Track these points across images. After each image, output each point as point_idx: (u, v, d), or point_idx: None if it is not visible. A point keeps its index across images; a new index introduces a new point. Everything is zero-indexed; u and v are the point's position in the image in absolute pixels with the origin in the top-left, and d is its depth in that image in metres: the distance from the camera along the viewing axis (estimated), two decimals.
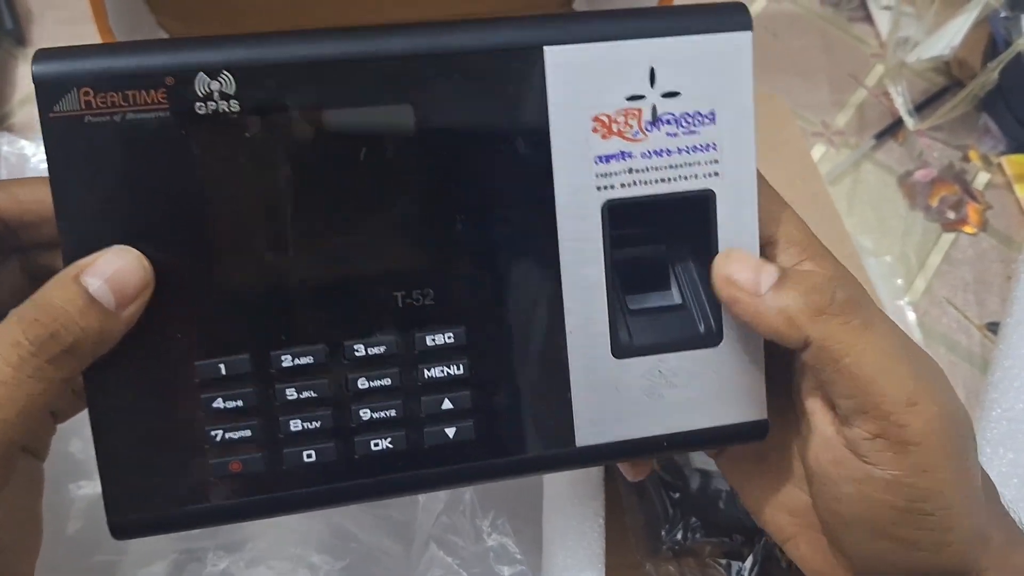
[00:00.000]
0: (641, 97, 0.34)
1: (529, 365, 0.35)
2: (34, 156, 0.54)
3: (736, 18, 0.34)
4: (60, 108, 0.30)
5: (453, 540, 0.46)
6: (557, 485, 0.47)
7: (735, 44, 0.34)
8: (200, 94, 0.31)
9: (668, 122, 0.34)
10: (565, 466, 0.37)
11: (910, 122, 0.73)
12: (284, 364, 0.33)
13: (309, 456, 0.33)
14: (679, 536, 0.53)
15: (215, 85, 0.31)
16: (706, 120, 0.34)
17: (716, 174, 0.35)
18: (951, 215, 0.71)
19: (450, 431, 0.34)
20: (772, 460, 0.39)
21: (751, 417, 0.37)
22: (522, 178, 0.34)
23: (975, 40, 0.72)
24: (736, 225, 0.35)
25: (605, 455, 0.36)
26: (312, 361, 0.33)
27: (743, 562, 0.53)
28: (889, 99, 0.76)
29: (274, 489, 0.34)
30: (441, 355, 0.34)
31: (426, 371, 0.34)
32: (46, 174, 0.31)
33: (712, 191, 0.35)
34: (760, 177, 0.36)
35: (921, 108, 0.75)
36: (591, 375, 0.35)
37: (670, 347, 0.36)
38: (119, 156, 0.31)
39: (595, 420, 0.35)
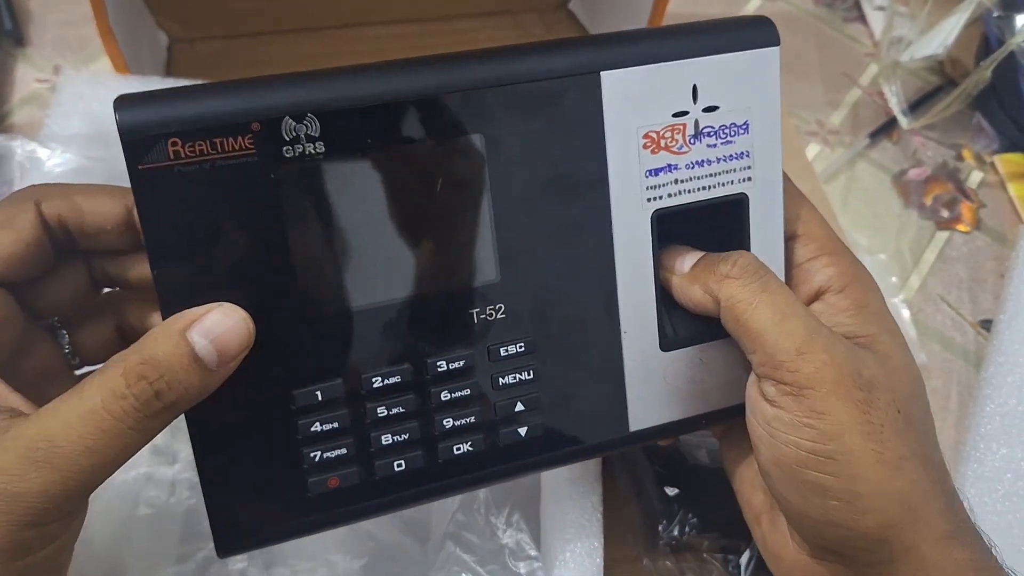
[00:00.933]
0: (685, 113, 0.36)
1: (589, 364, 0.38)
2: (49, 160, 0.54)
3: (766, 34, 0.37)
4: (149, 159, 0.30)
5: (469, 538, 0.46)
6: (555, 480, 0.48)
7: (766, 58, 0.37)
8: (287, 138, 0.32)
9: (709, 134, 0.37)
10: (618, 448, 0.40)
11: (904, 121, 0.74)
12: (375, 385, 0.35)
13: (399, 465, 0.36)
14: (676, 531, 0.53)
15: (301, 128, 0.32)
16: (741, 130, 0.37)
17: (749, 179, 0.38)
18: (945, 213, 0.71)
19: (522, 431, 0.38)
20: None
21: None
22: (582, 195, 0.36)
23: (968, 39, 0.73)
24: (765, 223, 0.38)
25: (653, 435, 0.40)
26: (400, 380, 0.35)
27: (740, 557, 0.53)
28: (883, 98, 0.76)
29: (368, 498, 0.36)
30: (513, 363, 0.37)
31: (500, 379, 0.37)
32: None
33: (746, 195, 0.38)
34: (784, 176, 0.39)
35: (915, 107, 0.76)
36: (642, 369, 0.39)
37: (708, 337, 0.39)
38: (210, 203, 0.31)
39: (646, 407, 0.39)
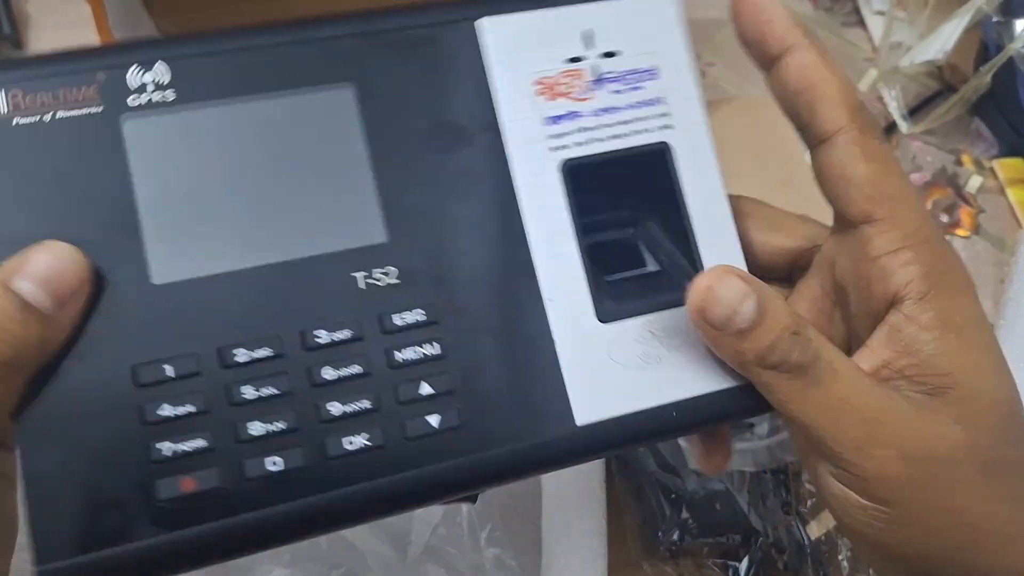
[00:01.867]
0: (581, 59, 0.34)
1: (510, 339, 0.32)
2: None
3: None
4: None
5: (450, 552, 0.46)
6: (557, 485, 0.48)
7: (663, 2, 0.35)
8: (132, 86, 0.30)
9: (612, 80, 0.34)
10: (570, 455, 0.33)
11: (903, 126, 0.74)
12: (239, 359, 0.30)
13: (275, 464, 0.29)
14: (676, 537, 0.53)
15: (149, 76, 0.30)
16: (648, 76, 0.34)
17: (669, 127, 0.34)
18: (944, 218, 0.71)
19: (433, 419, 0.30)
20: None
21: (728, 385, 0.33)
22: (474, 146, 0.33)
23: (967, 45, 0.73)
24: (698, 175, 0.34)
25: (612, 436, 0.32)
26: (271, 353, 0.30)
27: (739, 562, 0.53)
28: (882, 103, 0.76)
29: (236, 511, 0.28)
30: (412, 335, 0.31)
31: (397, 353, 0.31)
32: None
33: (666, 143, 0.34)
34: (869, 139, 0.32)
35: (914, 112, 0.76)
36: (580, 344, 0.32)
37: (658, 306, 0.33)
38: (51, 158, 0.29)
39: (592, 394, 0.32)
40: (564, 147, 0.33)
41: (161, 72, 0.30)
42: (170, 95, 0.30)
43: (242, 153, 0.31)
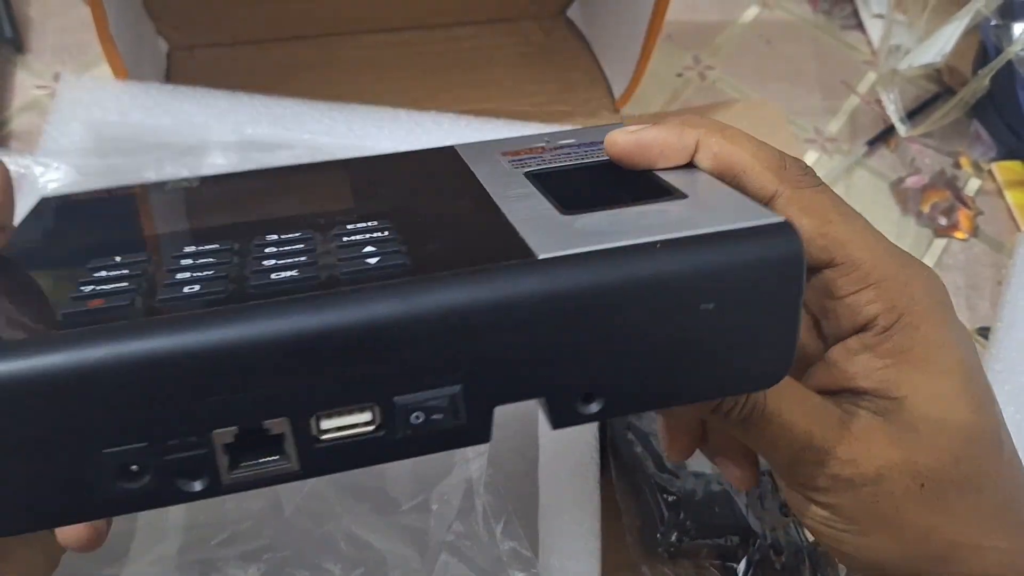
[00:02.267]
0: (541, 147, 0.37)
1: (460, 231, 0.30)
2: (42, 176, 0.54)
3: None
4: None
5: (466, 546, 0.46)
6: (553, 485, 0.48)
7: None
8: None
9: (567, 148, 0.36)
10: (528, 289, 0.25)
11: (902, 129, 0.74)
12: (187, 251, 0.28)
13: (191, 288, 0.25)
14: (674, 538, 0.53)
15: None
16: (600, 144, 0.34)
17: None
18: (943, 221, 0.71)
19: (373, 260, 0.26)
20: None
21: (763, 220, 0.27)
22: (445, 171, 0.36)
23: (965, 48, 0.73)
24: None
25: (586, 272, 0.25)
26: (218, 246, 0.28)
27: (738, 564, 0.53)
28: (881, 106, 0.77)
29: (135, 318, 0.24)
30: (361, 232, 0.29)
31: (344, 238, 0.28)
32: (56, 194, 0.32)
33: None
34: (825, 188, 0.32)
35: (912, 115, 0.76)
36: (534, 224, 0.28)
37: (627, 201, 0.29)
38: None
39: (555, 240, 0.26)
40: (526, 167, 0.33)
41: None
42: None
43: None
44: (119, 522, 0.29)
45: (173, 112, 0.59)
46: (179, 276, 0.26)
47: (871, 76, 0.79)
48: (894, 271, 0.31)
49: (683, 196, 0.29)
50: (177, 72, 0.70)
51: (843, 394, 0.32)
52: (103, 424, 0.23)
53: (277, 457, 0.25)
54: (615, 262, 0.25)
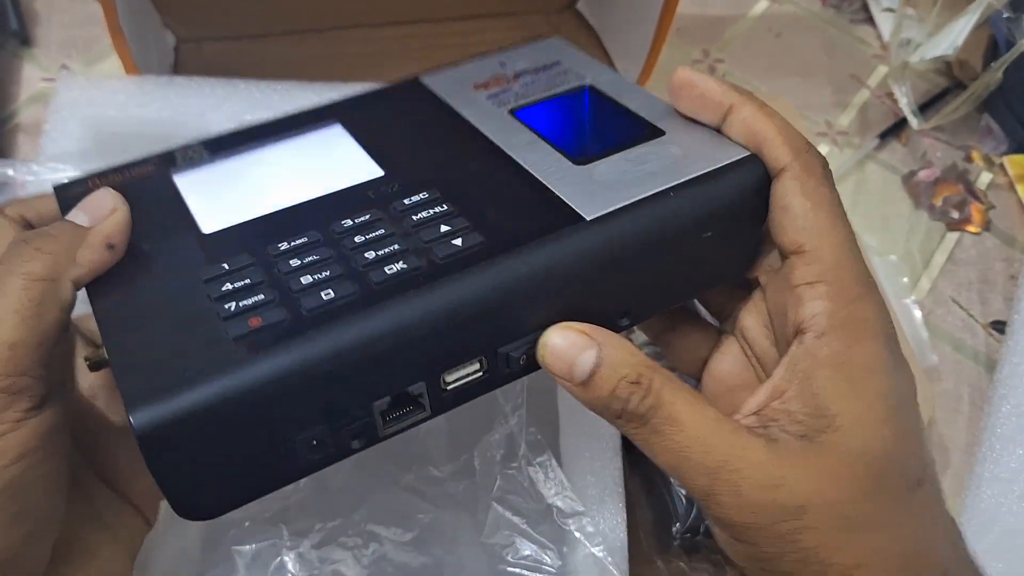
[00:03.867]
0: (501, 76, 0.43)
1: (506, 196, 0.35)
2: (51, 178, 0.54)
3: None
4: None
5: (514, 500, 0.47)
6: (574, 449, 0.48)
7: (555, 44, 0.45)
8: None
9: (527, 74, 0.43)
10: (587, 249, 0.32)
11: (915, 122, 0.74)
12: (282, 248, 0.33)
13: (328, 294, 0.31)
14: (690, 533, 0.53)
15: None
16: (553, 67, 0.43)
17: (583, 77, 0.42)
18: (955, 215, 0.71)
19: (457, 241, 0.32)
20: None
21: (737, 155, 0.35)
22: (446, 127, 0.40)
23: (975, 41, 0.73)
24: (632, 96, 0.40)
25: (624, 225, 0.33)
26: (307, 240, 0.33)
27: None
28: (891, 100, 0.76)
29: (302, 333, 0.29)
30: (423, 205, 0.34)
31: (414, 215, 0.34)
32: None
33: (587, 83, 0.42)
34: (808, 173, 0.34)
35: (923, 109, 0.75)
36: (564, 178, 0.35)
37: (627, 145, 0.36)
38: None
39: (591, 198, 0.34)
40: (506, 103, 0.40)
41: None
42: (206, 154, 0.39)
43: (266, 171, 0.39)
44: None
45: (173, 105, 0.58)
46: (304, 280, 0.31)
47: (881, 70, 0.79)
48: (851, 282, 0.32)
49: (662, 132, 0.36)
50: (184, 66, 0.70)
51: (772, 416, 0.32)
52: (296, 417, 0.29)
53: (414, 408, 0.32)
54: (644, 214, 0.33)
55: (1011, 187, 0.73)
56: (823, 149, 0.73)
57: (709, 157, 0.34)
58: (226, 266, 0.32)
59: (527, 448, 0.47)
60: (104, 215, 0.34)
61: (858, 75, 0.79)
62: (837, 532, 0.30)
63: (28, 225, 0.36)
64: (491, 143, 0.37)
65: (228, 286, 0.31)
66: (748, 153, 0.34)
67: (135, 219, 0.34)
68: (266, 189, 0.37)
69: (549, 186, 0.34)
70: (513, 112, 0.39)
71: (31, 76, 0.70)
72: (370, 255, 0.32)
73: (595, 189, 0.34)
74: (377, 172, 0.37)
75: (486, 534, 0.46)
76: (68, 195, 0.36)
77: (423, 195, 0.35)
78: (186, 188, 0.37)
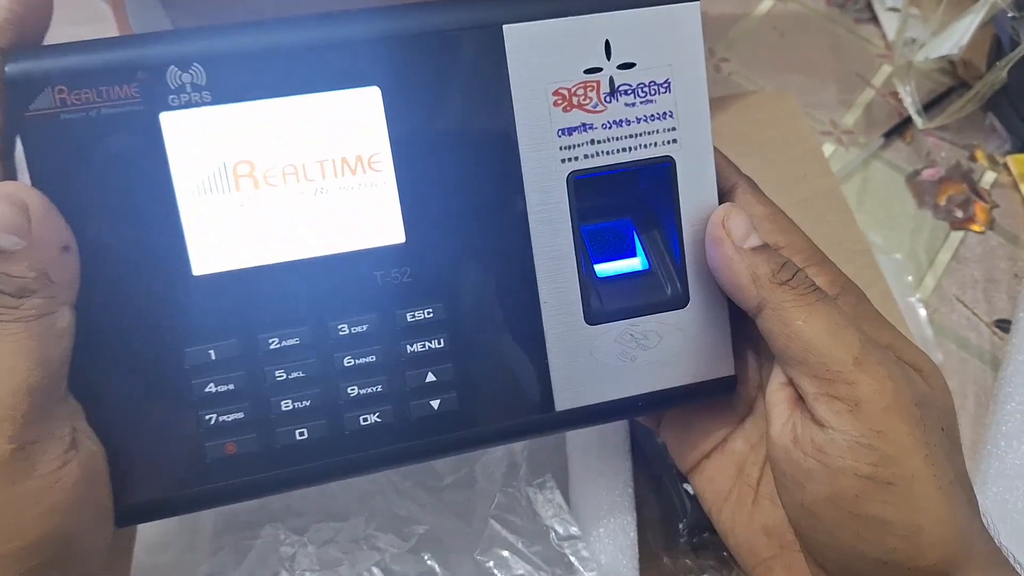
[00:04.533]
0: (599, 69, 0.35)
1: (507, 335, 0.36)
2: None
3: None
4: (35, 107, 0.31)
5: (511, 519, 0.47)
6: (583, 454, 0.48)
7: (684, 14, 0.36)
8: (172, 87, 0.32)
9: (626, 92, 0.36)
10: (546, 431, 0.38)
11: (919, 121, 0.74)
12: (272, 346, 0.34)
13: (302, 434, 0.34)
14: (696, 530, 0.53)
15: (187, 77, 0.32)
16: (662, 89, 0.36)
17: (674, 141, 0.36)
18: (959, 214, 0.71)
19: (435, 403, 0.35)
20: (746, 475, 0.39)
21: (720, 373, 0.39)
22: (490, 155, 0.35)
23: (980, 41, 0.73)
24: (696, 190, 0.37)
25: (583, 419, 0.38)
26: (299, 342, 0.34)
27: None
28: (896, 99, 0.77)
29: (269, 468, 0.34)
30: (422, 330, 0.35)
31: (408, 346, 0.35)
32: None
33: (672, 157, 0.36)
34: (756, 191, 0.38)
35: (927, 108, 0.76)
36: (566, 342, 0.37)
37: (640, 311, 0.37)
38: (95, 152, 0.31)
39: (572, 385, 0.37)
40: (574, 159, 0.36)
41: (198, 73, 0.32)
42: (207, 96, 0.32)
43: (273, 153, 0.33)
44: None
45: None
46: (284, 406, 0.34)
47: (885, 69, 0.79)
48: (829, 261, 0.38)
49: (685, 303, 0.38)
50: None
51: None
52: None
53: None
54: (607, 411, 0.38)
55: (1015, 186, 0.73)
56: (828, 148, 0.74)
57: (698, 364, 0.38)
58: (212, 354, 0.33)
59: (527, 470, 0.47)
60: (20, 222, 0.30)
61: (863, 74, 0.79)
62: (929, 433, 0.33)
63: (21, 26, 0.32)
64: (527, 235, 0.36)
65: (212, 387, 0.34)
66: (731, 374, 0.39)
67: (103, 166, 0.32)
68: (266, 205, 0.34)
69: (547, 346, 0.36)
70: (572, 178, 0.36)
71: None
72: (352, 391, 0.35)
73: (584, 369, 0.37)
74: (397, 236, 0.35)
75: (480, 550, 0.46)
76: (25, 90, 0.31)
77: (427, 312, 0.35)
78: (172, 142, 0.32)
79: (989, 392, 0.60)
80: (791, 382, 0.35)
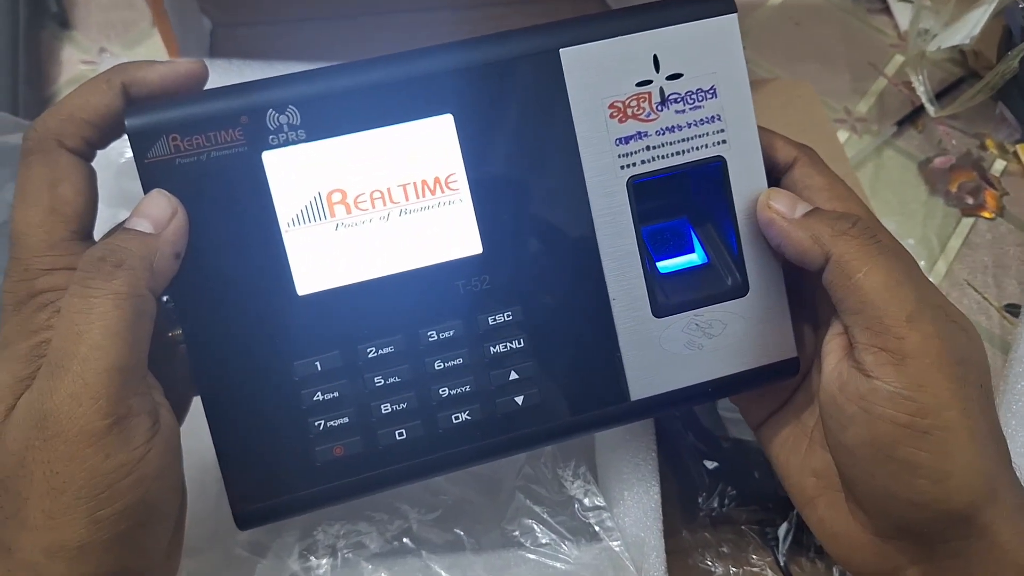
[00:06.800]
0: (649, 82, 0.38)
1: (581, 332, 0.39)
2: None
3: (721, 4, 0.39)
4: (153, 154, 0.35)
5: (537, 490, 0.48)
6: (610, 440, 0.50)
7: (724, 26, 0.39)
8: (271, 128, 0.35)
9: (676, 101, 0.39)
10: (623, 420, 0.41)
11: (931, 110, 0.75)
12: (370, 355, 0.37)
13: (401, 434, 0.38)
14: (715, 504, 0.55)
15: (283, 119, 0.36)
16: (708, 95, 0.39)
17: (724, 142, 0.39)
18: (969, 201, 0.73)
19: (519, 399, 0.39)
20: (803, 423, 0.41)
21: (783, 356, 0.41)
22: (556, 166, 0.38)
23: (990, 31, 0.74)
24: (747, 183, 0.40)
25: (657, 406, 0.41)
26: (393, 350, 0.37)
27: (778, 529, 0.55)
28: (908, 88, 0.78)
29: (374, 467, 0.38)
30: (502, 332, 0.38)
31: (491, 348, 0.38)
32: None
33: (722, 157, 0.39)
34: (816, 163, 0.41)
35: (939, 97, 0.77)
36: (637, 335, 0.40)
37: (703, 301, 0.40)
38: (207, 189, 0.35)
39: (645, 375, 0.40)
40: (632, 165, 0.39)
41: (293, 114, 0.36)
42: (302, 134, 0.36)
43: (363, 180, 0.37)
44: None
45: (212, 86, 0.60)
46: (384, 409, 0.38)
47: (898, 59, 0.80)
48: (851, 195, 0.40)
49: (745, 291, 0.40)
50: (219, 49, 0.71)
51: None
52: None
53: None
54: (680, 398, 0.40)
55: None
56: (842, 136, 0.75)
57: (762, 348, 0.41)
58: (318, 365, 0.37)
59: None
60: (165, 221, 0.34)
61: (876, 63, 0.80)
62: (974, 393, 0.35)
63: (126, 94, 0.36)
64: (593, 237, 0.39)
65: (319, 396, 0.37)
66: (794, 356, 0.41)
67: (214, 202, 0.36)
68: (358, 228, 0.37)
69: (619, 340, 0.39)
70: (631, 182, 0.39)
71: (70, 58, 0.71)
72: (443, 392, 0.38)
73: (654, 360, 0.40)
74: (475, 248, 0.38)
75: (507, 519, 0.48)
76: (144, 140, 0.35)
77: (506, 315, 0.38)
78: (274, 177, 0.36)
79: (999, 374, 0.61)
80: (846, 331, 0.37)
